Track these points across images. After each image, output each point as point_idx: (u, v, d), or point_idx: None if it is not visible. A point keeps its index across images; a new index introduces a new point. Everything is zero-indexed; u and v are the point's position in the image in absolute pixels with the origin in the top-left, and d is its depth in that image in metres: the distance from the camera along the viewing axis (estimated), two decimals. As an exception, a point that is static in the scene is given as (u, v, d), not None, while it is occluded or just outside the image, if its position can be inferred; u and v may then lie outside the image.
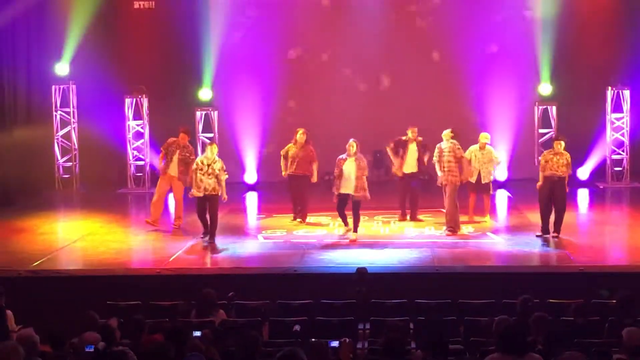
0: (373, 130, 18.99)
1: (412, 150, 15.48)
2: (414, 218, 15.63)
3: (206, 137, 19.70)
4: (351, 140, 14.16)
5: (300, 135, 15.51)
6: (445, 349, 7.11)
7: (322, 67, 20.27)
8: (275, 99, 20.15)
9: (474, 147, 15.25)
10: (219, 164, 13.91)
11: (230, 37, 19.96)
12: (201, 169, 13.85)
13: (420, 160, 15.49)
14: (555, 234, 13.88)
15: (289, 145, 15.63)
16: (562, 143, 13.93)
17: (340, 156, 14.19)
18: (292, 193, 15.79)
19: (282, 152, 15.73)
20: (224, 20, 19.99)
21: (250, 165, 19.94)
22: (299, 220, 15.58)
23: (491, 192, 15.66)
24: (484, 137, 15.42)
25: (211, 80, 19.99)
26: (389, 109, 19.90)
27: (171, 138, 15.44)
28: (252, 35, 20.23)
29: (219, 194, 13.94)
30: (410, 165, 15.52)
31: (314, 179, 15.59)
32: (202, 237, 14.18)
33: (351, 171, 13.99)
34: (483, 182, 15.31)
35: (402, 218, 15.70)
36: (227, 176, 14.12)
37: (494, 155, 15.42)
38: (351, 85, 20.15)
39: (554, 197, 13.89)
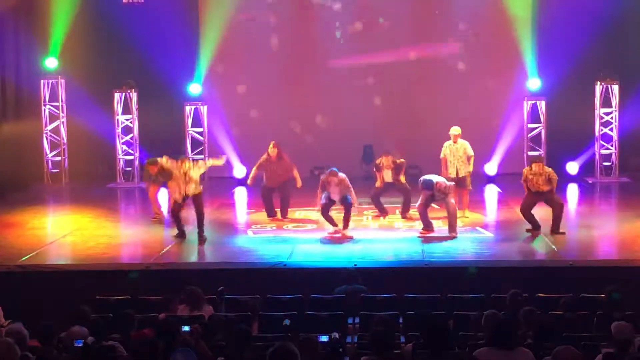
0: (363, 124, 18.99)
1: (387, 174, 15.49)
2: (404, 216, 15.57)
3: (195, 132, 19.69)
4: (333, 170, 13.98)
5: (271, 149, 15.29)
6: (443, 340, 7.10)
7: (312, 61, 20.22)
8: (265, 93, 20.09)
9: (447, 142, 15.34)
10: (196, 169, 13.65)
11: (220, 30, 19.92)
12: (178, 178, 13.59)
13: (396, 179, 15.48)
14: (561, 232, 13.79)
15: (263, 157, 15.39)
16: (540, 164, 13.96)
17: (323, 177, 14.09)
18: (268, 196, 15.51)
19: (257, 164, 15.51)
20: (213, 15, 19.97)
21: (239, 160, 19.88)
22: (279, 217, 15.47)
23: (470, 187, 15.60)
24: (454, 130, 15.43)
25: (201, 75, 19.94)
26: (378, 103, 19.92)
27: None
28: (242, 29, 20.22)
29: (200, 192, 13.75)
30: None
31: (299, 184, 15.38)
32: (176, 237, 13.94)
33: (340, 191, 13.99)
34: (460, 175, 15.27)
35: (382, 214, 15.62)
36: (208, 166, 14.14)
37: (468, 149, 15.36)
38: (342, 80, 20.09)
39: (551, 204, 13.88)
